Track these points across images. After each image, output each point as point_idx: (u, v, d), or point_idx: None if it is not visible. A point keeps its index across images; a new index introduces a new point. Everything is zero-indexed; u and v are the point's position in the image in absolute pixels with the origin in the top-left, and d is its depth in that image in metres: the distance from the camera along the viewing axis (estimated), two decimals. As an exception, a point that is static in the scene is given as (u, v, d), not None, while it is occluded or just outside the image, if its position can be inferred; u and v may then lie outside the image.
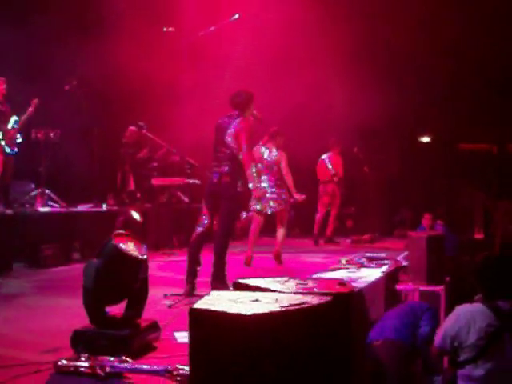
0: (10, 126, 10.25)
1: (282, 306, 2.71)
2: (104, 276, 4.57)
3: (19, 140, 10.41)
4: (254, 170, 7.11)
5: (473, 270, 5.01)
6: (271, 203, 9.35)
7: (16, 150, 10.36)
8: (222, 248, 7.11)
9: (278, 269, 9.05)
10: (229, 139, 7.13)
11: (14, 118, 10.32)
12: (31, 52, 11.39)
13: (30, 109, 10.44)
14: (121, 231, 4.92)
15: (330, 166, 12.45)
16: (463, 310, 4.74)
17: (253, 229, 9.54)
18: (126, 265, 4.64)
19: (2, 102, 10.18)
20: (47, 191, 10.62)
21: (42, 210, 10.16)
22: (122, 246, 4.63)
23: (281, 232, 9.51)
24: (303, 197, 9.63)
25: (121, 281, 4.68)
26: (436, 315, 6.04)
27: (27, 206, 10.39)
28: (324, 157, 12.64)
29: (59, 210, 10.43)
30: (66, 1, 12.10)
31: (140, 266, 4.73)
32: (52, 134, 10.73)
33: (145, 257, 4.75)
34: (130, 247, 4.69)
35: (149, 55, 12.04)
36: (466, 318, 4.63)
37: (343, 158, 12.86)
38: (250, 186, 7.08)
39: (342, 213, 13.10)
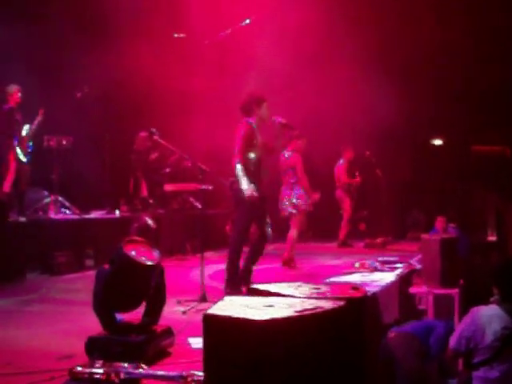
0: (24, 134, 10.29)
1: (295, 311, 2.70)
2: (114, 283, 4.58)
3: (30, 149, 10.44)
4: (241, 171, 7.04)
5: (490, 272, 4.99)
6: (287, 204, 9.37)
7: (28, 157, 10.39)
8: (235, 253, 7.13)
9: (292, 273, 9.02)
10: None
11: (26, 126, 10.36)
12: (43, 58, 11.42)
13: (39, 118, 10.46)
14: (133, 237, 4.93)
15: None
16: (479, 311, 4.73)
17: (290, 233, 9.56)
18: (137, 272, 4.64)
19: (17, 110, 10.21)
20: (60, 198, 10.63)
21: (55, 217, 10.20)
22: (132, 252, 4.63)
23: (291, 233, 9.47)
24: (317, 195, 9.61)
25: (132, 288, 4.68)
26: (452, 326, 6.02)
27: (40, 213, 10.42)
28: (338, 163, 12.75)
29: (72, 216, 10.46)
30: (78, 7, 12.13)
31: (152, 272, 4.72)
32: (64, 142, 10.76)
33: (157, 263, 4.75)
34: (140, 254, 4.68)
35: (160, 61, 12.04)
36: (481, 320, 4.63)
37: (355, 162, 12.85)
38: (243, 186, 7.01)
39: (355, 216, 13.09)
